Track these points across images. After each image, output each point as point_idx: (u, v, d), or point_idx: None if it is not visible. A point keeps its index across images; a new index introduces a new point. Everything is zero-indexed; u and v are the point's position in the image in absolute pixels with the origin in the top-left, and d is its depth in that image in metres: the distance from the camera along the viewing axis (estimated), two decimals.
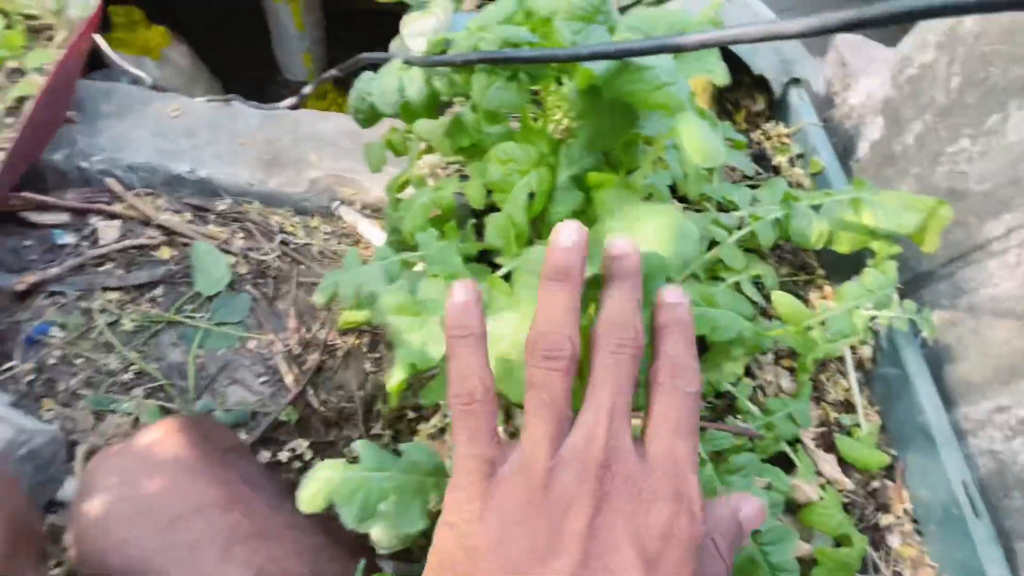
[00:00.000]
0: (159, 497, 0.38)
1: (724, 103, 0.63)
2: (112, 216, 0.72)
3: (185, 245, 0.72)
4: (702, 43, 0.25)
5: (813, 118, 0.61)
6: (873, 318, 0.43)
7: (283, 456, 0.64)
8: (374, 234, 0.80)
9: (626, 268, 0.23)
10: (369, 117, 0.42)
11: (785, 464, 0.42)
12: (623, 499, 0.19)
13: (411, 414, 0.72)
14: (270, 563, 0.36)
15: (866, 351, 0.51)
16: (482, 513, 0.19)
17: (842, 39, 0.91)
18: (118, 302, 0.69)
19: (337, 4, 2.06)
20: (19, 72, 0.66)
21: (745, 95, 0.65)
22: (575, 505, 0.18)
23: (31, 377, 0.63)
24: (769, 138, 0.61)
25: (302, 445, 0.66)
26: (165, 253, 0.72)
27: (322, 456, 0.67)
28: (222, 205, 0.76)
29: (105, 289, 0.69)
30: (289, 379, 0.69)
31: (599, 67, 0.29)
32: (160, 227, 0.73)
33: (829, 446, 0.46)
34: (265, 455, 0.65)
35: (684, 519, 0.19)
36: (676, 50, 0.26)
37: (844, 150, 0.74)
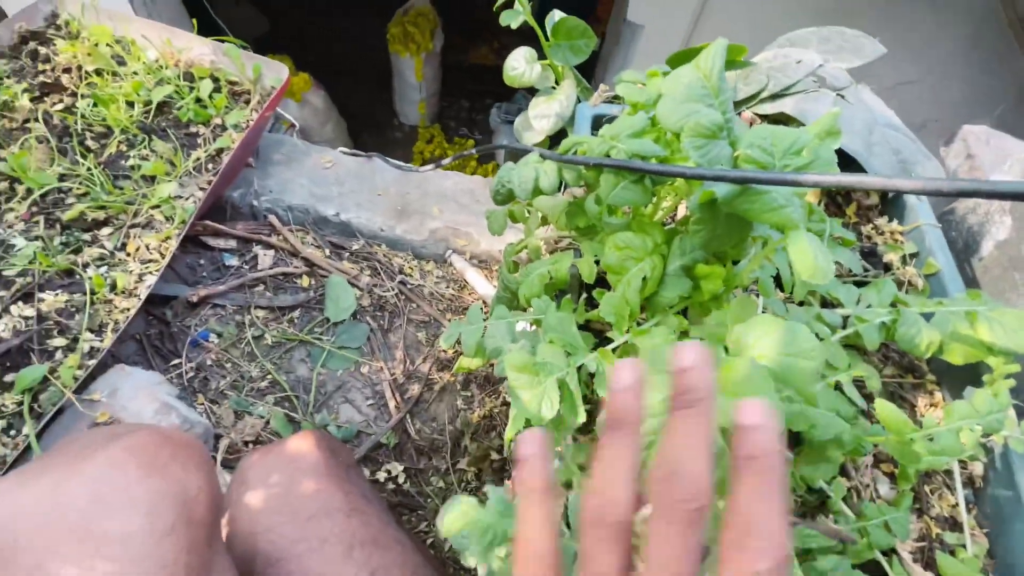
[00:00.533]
0: (299, 497, 0.45)
1: (834, 195, 0.64)
2: (269, 246, 0.86)
3: (323, 276, 0.84)
4: (817, 183, 0.29)
5: (931, 219, 0.60)
6: (988, 434, 0.42)
7: (380, 476, 0.71)
8: (479, 282, 0.88)
9: (691, 388, 0.19)
10: (506, 199, 0.49)
11: (878, 574, 0.41)
12: None
13: (495, 456, 0.76)
14: (381, 569, 0.42)
15: (978, 467, 0.48)
16: None
17: (969, 130, 0.88)
18: (264, 319, 0.81)
19: (452, 60, 2.29)
20: (221, 127, 0.82)
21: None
22: None
23: (191, 374, 0.75)
24: (881, 233, 0.61)
25: (397, 468, 0.72)
26: (305, 282, 0.84)
27: (413, 480, 0.73)
28: (356, 245, 0.87)
29: (256, 307, 0.81)
30: (392, 405, 0.77)
31: (721, 189, 0.33)
32: (305, 259, 0.85)
33: (928, 563, 0.44)
34: (365, 472, 0.72)
35: None
36: (793, 184, 0.30)
37: (965, 246, 0.71)
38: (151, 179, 0.73)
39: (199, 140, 0.79)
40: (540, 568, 0.20)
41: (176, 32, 0.85)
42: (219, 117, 0.82)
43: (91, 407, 0.60)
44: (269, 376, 0.77)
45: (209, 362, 0.76)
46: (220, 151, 0.78)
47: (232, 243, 0.87)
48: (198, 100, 0.82)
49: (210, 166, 0.76)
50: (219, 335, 0.79)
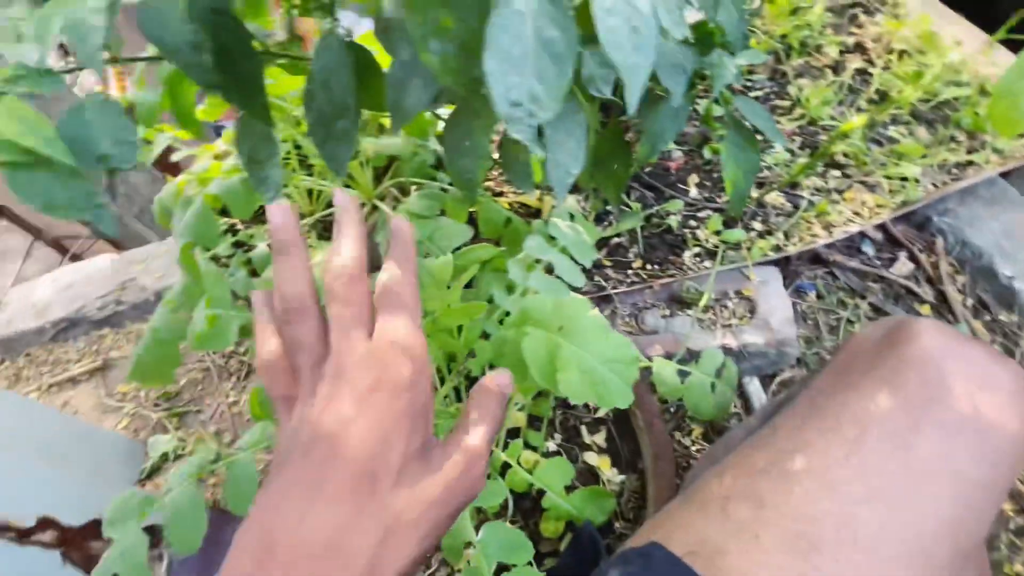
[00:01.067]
0: None
1: None
2: (913, 259, 0.86)
3: (948, 320, 0.80)
4: None
5: None
6: None
7: None
8: None
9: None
10: None
11: None
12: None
13: None
14: None
15: None
16: None
17: None
18: (858, 311, 0.84)
19: None
20: (983, 145, 0.81)
21: None
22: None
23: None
24: None
25: None
26: (925, 310, 0.82)
27: None
28: (1005, 317, 0.78)
29: (863, 297, 0.85)
30: None
31: None
32: (939, 292, 0.82)
33: None
34: None
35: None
36: None
37: None
38: (899, 155, 0.80)
39: (956, 144, 0.81)
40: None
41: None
42: (991, 136, 0.81)
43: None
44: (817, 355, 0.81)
45: (800, 309, 0.86)
46: (970, 163, 0.78)
47: (879, 235, 0.90)
48: (976, 114, 0.82)
49: (954, 171, 0.78)
50: (819, 296, 0.86)
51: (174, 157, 0.76)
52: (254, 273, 0.73)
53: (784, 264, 0.87)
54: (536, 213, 0.93)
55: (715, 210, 0.80)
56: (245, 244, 0.75)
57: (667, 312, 0.77)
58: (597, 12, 0.24)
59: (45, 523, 0.49)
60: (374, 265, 0.73)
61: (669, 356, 0.73)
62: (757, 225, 0.79)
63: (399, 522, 0.23)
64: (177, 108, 0.48)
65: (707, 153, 0.87)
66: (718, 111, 0.57)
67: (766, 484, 0.33)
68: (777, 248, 0.76)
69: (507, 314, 0.54)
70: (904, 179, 0.77)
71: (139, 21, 0.33)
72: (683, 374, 0.48)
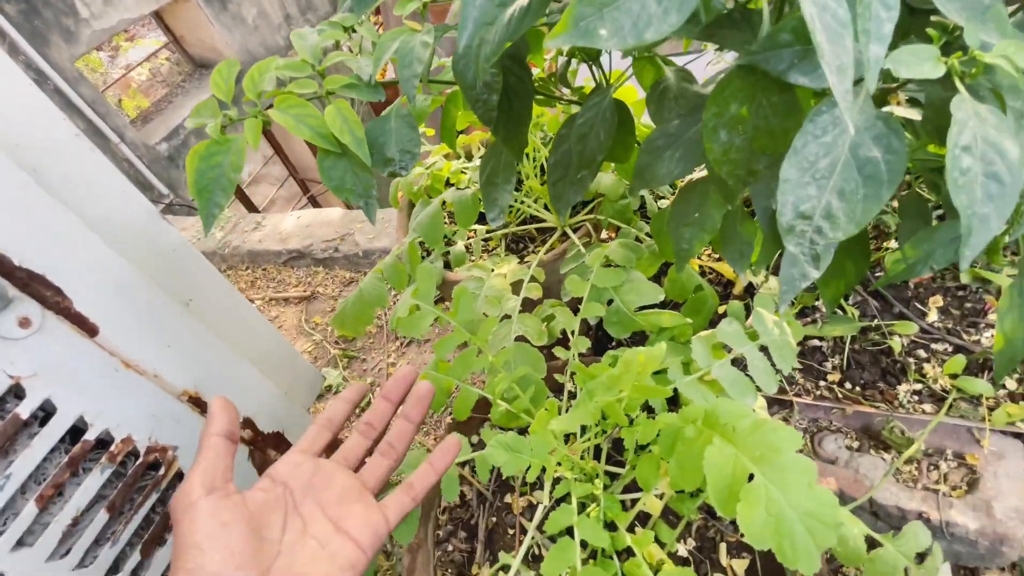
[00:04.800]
0: None
1: None
2: None
3: None
4: None
5: None
6: None
7: None
8: None
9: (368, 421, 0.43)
10: None
11: None
12: None
13: None
14: None
15: None
16: None
17: None
18: None
19: None
20: None
21: None
22: None
23: None
24: None
25: None
26: None
27: None
28: None
29: None
30: None
31: None
32: None
33: None
34: None
35: None
36: None
37: None
38: None
39: None
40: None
41: None
42: None
43: None
44: None
45: None
46: None
47: None
48: None
49: None
50: None
51: None
52: (448, 265, 0.80)
53: None
54: (728, 283, 0.87)
55: (958, 348, 0.66)
56: (448, 238, 0.83)
57: (855, 444, 0.66)
58: (951, 149, 0.21)
59: (247, 423, 0.60)
60: (550, 293, 0.73)
61: (842, 497, 0.63)
62: (1011, 383, 0.63)
63: None
64: (445, 123, 0.54)
65: (965, 277, 0.72)
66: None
67: None
68: None
69: (675, 391, 0.51)
70: None
71: (453, 60, 0.38)
72: (871, 542, 0.40)
